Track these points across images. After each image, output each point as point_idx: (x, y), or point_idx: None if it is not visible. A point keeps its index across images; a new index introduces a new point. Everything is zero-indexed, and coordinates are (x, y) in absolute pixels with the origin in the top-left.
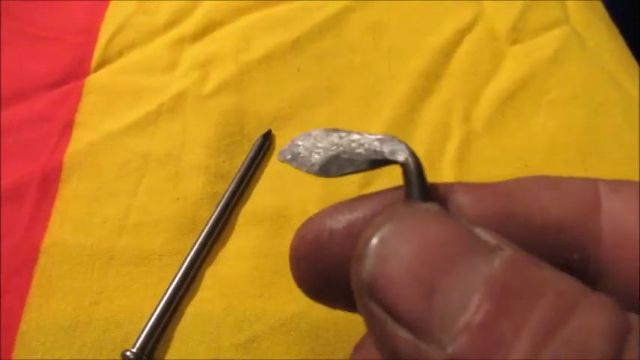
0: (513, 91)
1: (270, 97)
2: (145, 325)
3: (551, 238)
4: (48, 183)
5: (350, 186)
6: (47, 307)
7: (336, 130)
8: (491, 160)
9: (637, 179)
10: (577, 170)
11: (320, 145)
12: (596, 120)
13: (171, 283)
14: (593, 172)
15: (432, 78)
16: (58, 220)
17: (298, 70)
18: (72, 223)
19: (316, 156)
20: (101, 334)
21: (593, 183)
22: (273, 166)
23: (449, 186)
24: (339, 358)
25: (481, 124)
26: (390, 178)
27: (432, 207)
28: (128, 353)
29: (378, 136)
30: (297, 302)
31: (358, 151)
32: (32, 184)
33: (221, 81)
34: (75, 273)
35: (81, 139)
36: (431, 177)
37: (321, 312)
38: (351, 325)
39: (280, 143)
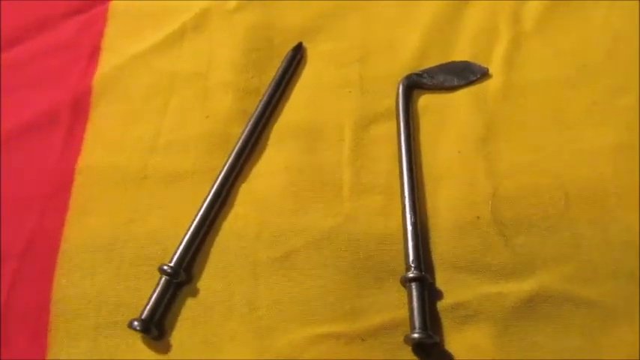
0: None
1: (298, 9)
2: (182, 241)
3: None
4: (79, 108)
5: (387, 99)
6: (86, 227)
7: None
8: (544, 60)
9: None
10: None
11: None
12: None
13: (205, 200)
14: None
15: None
16: (90, 143)
17: None
18: (104, 145)
19: None
20: (138, 251)
21: None
22: (306, 80)
23: None
24: (380, 271)
25: (532, 23)
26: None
27: None
28: (166, 267)
29: None
30: (334, 217)
31: None
32: (64, 110)
33: None
34: (110, 193)
35: (108, 63)
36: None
37: (361, 225)
38: (395, 238)
39: (312, 55)
